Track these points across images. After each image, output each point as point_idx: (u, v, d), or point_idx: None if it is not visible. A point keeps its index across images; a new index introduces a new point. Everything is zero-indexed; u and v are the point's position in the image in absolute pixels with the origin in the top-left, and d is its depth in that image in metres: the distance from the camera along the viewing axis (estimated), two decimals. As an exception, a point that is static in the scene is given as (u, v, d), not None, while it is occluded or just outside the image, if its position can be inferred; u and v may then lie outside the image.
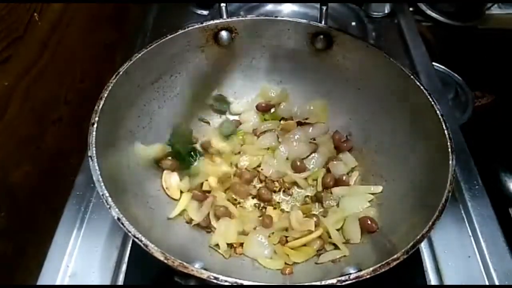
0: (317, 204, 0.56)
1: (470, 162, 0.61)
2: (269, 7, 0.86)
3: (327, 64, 0.60)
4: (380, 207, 0.53)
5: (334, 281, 0.36)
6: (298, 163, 0.58)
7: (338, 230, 0.52)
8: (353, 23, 0.85)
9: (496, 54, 1.00)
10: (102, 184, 0.41)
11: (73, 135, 0.64)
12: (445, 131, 0.47)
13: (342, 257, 0.48)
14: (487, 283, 0.50)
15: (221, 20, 0.59)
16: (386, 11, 0.88)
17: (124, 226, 0.39)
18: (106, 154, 0.45)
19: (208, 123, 0.63)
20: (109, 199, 0.40)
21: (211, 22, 0.58)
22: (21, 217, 0.59)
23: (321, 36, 0.58)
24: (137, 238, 0.38)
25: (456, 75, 0.97)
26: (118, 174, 0.47)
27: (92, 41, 0.75)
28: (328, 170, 0.59)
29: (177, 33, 0.56)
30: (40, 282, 0.50)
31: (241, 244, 0.51)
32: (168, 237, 0.48)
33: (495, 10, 1.05)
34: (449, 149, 0.46)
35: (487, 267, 0.51)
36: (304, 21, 0.58)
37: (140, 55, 0.52)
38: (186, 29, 0.56)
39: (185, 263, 0.37)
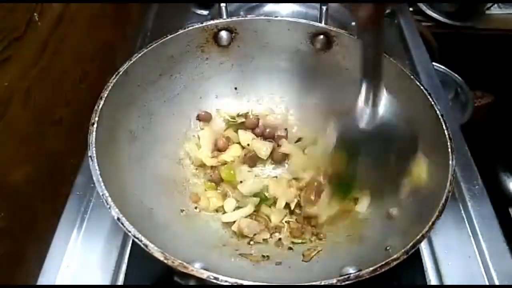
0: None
1: (470, 162, 0.61)
2: (269, 7, 0.86)
3: (327, 64, 0.60)
4: (380, 206, 0.53)
5: (334, 281, 0.36)
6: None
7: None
8: (353, 23, 0.84)
9: (496, 54, 1.00)
10: (102, 184, 0.41)
11: (73, 135, 0.64)
12: (445, 131, 0.47)
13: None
14: (487, 283, 0.50)
15: (221, 20, 0.59)
16: (386, 11, 0.88)
17: (124, 226, 0.39)
18: (106, 154, 0.45)
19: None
20: (109, 199, 0.40)
21: (211, 22, 0.58)
22: (21, 217, 0.59)
23: (321, 36, 0.58)
24: (137, 238, 0.38)
25: (456, 75, 0.97)
26: (118, 174, 0.47)
27: (92, 41, 0.75)
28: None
29: (177, 33, 0.56)
30: (40, 282, 0.50)
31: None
32: (168, 237, 0.48)
33: (495, 10, 1.05)
34: (449, 149, 0.46)
35: (487, 267, 0.51)
36: (304, 21, 0.58)
37: (140, 55, 0.52)
38: (186, 29, 0.56)
39: (185, 263, 0.37)
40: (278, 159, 0.60)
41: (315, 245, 0.51)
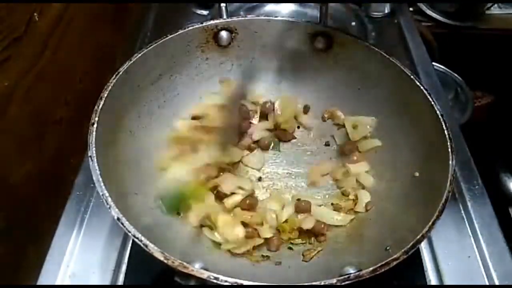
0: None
1: (470, 162, 0.61)
2: (269, 7, 0.86)
3: (327, 64, 0.60)
4: (380, 206, 0.53)
5: (334, 281, 0.36)
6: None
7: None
8: (353, 23, 0.85)
9: (496, 54, 1.00)
10: (102, 184, 0.41)
11: (73, 135, 0.64)
12: (445, 131, 0.47)
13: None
14: (487, 283, 0.50)
15: (221, 20, 0.59)
16: (386, 11, 0.88)
17: (124, 226, 0.39)
18: (106, 154, 0.45)
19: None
20: (109, 199, 0.40)
21: (211, 22, 0.58)
22: (21, 217, 0.59)
23: (321, 36, 0.58)
24: (137, 238, 0.38)
25: (456, 75, 0.97)
26: (118, 174, 0.47)
27: (92, 41, 0.75)
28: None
29: (177, 33, 0.56)
30: (40, 282, 0.50)
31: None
32: (168, 237, 0.48)
33: (495, 10, 1.05)
34: (449, 149, 0.46)
35: (487, 267, 0.51)
36: (304, 21, 0.58)
37: (140, 55, 0.52)
38: (186, 29, 0.56)
39: (185, 263, 0.37)
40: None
41: (315, 245, 0.51)
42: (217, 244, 0.50)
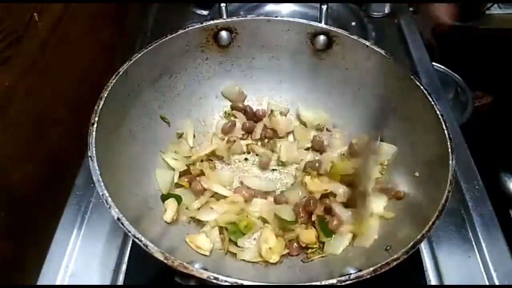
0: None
1: (470, 162, 0.61)
2: (269, 7, 0.86)
3: (327, 64, 0.60)
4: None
5: (334, 281, 0.36)
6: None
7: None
8: (353, 23, 0.85)
9: (496, 54, 1.00)
10: (102, 184, 0.41)
11: (73, 135, 0.64)
12: (445, 131, 0.47)
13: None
14: (487, 283, 0.50)
15: (221, 20, 0.59)
16: (386, 11, 0.88)
17: (124, 226, 0.39)
18: (106, 154, 0.45)
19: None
20: (109, 199, 0.40)
21: (211, 22, 0.58)
22: (21, 217, 0.59)
23: (321, 36, 0.58)
24: (137, 238, 0.38)
25: (456, 75, 0.97)
26: (118, 174, 0.47)
27: (92, 41, 0.75)
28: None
29: (177, 33, 0.56)
30: (40, 282, 0.50)
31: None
32: (168, 237, 0.48)
33: (495, 10, 1.05)
34: (449, 149, 0.46)
35: (487, 267, 0.51)
36: (304, 21, 0.58)
37: (140, 55, 0.52)
38: (186, 29, 0.56)
39: (185, 263, 0.37)
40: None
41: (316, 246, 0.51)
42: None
